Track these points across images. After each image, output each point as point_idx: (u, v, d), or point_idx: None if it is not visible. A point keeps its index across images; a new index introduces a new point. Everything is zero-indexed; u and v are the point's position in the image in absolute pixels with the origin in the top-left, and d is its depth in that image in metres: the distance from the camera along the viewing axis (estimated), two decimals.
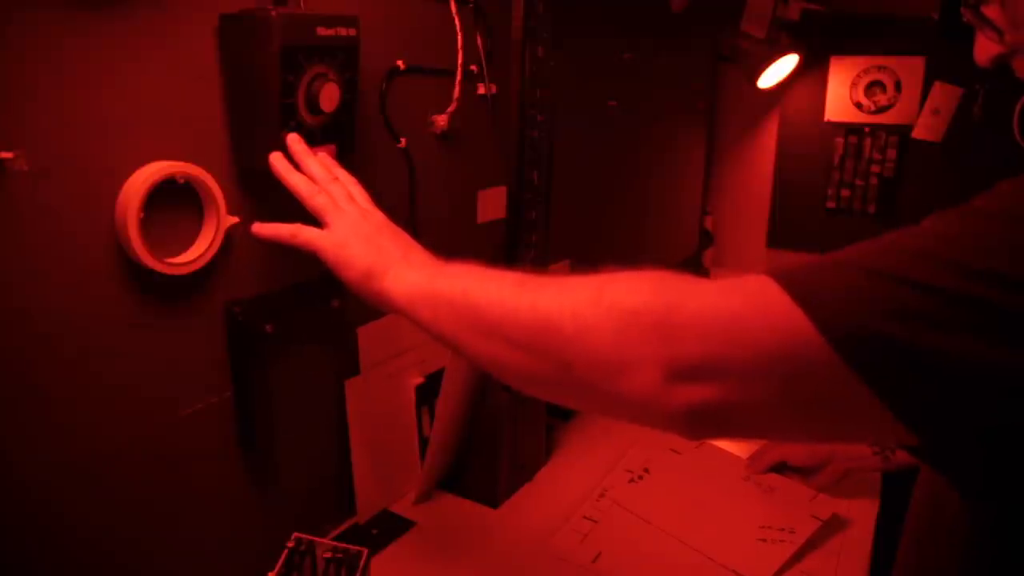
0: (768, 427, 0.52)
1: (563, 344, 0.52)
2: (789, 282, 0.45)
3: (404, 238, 0.73)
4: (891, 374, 0.41)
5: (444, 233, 1.17)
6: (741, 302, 0.46)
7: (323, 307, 0.95)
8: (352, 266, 0.70)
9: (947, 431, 0.42)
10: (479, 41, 1.14)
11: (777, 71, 2.03)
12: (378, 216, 0.75)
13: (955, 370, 0.40)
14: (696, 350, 0.46)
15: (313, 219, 0.74)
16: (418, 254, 0.71)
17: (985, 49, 0.54)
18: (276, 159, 0.77)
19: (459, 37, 1.09)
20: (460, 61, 1.10)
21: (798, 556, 1.01)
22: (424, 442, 1.15)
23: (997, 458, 0.43)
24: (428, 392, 1.14)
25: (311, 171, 0.77)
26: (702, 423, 0.48)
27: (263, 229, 0.76)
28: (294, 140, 0.79)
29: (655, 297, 0.49)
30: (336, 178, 0.77)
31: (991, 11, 0.53)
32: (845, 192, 2.16)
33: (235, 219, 0.82)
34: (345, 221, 0.73)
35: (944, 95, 1.99)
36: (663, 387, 0.47)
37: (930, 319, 0.40)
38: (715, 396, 0.46)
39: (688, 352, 0.46)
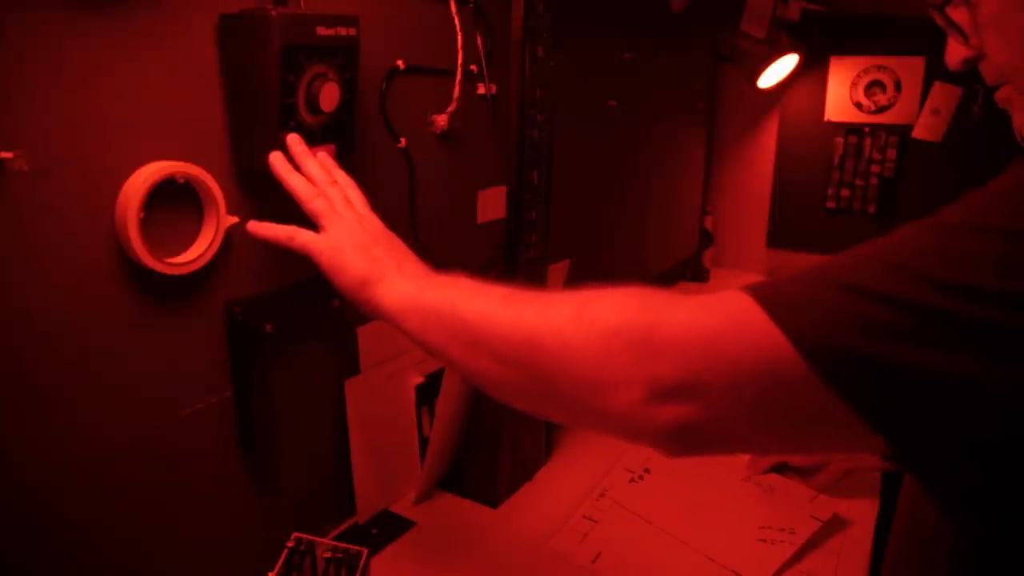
0: (750, 442, 0.53)
1: (545, 360, 0.53)
2: (765, 298, 0.45)
3: (399, 247, 0.74)
4: (866, 389, 0.41)
5: (444, 233, 1.17)
6: (720, 320, 0.47)
7: (323, 307, 0.95)
8: (346, 272, 0.70)
9: (923, 443, 0.42)
10: (479, 41, 1.14)
11: (777, 71, 2.03)
12: (374, 223, 0.76)
13: (928, 384, 0.40)
14: (677, 369, 0.47)
15: (311, 221, 0.74)
16: (411, 264, 0.71)
17: (954, 52, 0.54)
18: (275, 159, 0.77)
19: (459, 37, 1.09)
20: (460, 61, 1.10)
21: (798, 556, 1.01)
22: (424, 442, 1.15)
23: (975, 470, 0.42)
24: (428, 392, 1.14)
25: (310, 172, 0.77)
26: (685, 440, 0.48)
27: (260, 228, 0.76)
28: (294, 140, 0.79)
29: (636, 316, 0.49)
30: (335, 181, 0.77)
31: (958, 14, 0.52)
32: (845, 192, 2.16)
33: (235, 219, 0.82)
34: (341, 227, 0.73)
35: (944, 95, 1.99)
36: (645, 406, 0.48)
37: (903, 333, 0.40)
38: (696, 414, 0.46)
39: (669, 371, 0.47)
